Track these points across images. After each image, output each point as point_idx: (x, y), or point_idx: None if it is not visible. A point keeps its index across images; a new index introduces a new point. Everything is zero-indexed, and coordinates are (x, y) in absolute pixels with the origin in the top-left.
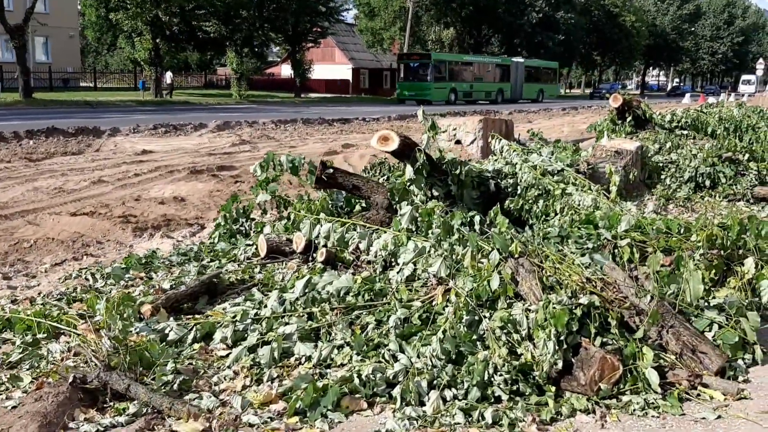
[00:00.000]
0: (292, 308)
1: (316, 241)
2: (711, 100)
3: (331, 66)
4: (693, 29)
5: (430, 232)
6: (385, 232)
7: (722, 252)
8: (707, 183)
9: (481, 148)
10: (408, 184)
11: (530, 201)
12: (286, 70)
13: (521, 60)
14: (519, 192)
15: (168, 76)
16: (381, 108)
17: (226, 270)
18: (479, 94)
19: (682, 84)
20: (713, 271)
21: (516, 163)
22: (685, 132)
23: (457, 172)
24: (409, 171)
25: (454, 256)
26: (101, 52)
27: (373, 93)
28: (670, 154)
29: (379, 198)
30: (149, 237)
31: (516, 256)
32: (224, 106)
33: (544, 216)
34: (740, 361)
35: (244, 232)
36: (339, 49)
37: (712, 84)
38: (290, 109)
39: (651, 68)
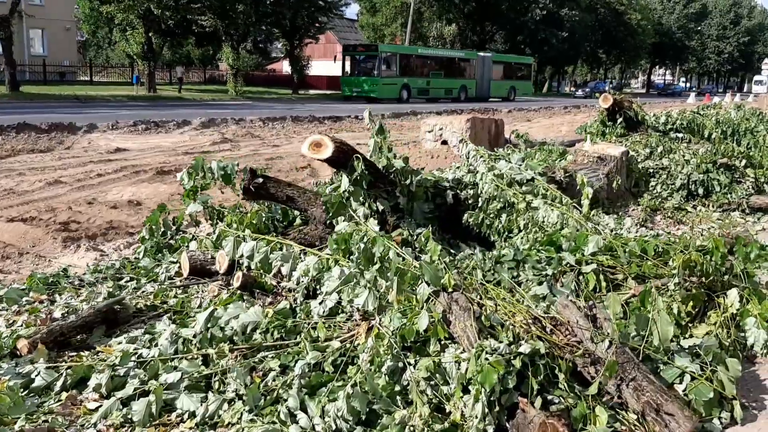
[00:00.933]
0: (186, 348)
1: (240, 261)
2: (716, 100)
3: (332, 62)
4: (699, 28)
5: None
6: (315, 253)
7: (704, 279)
8: (700, 191)
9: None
10: (345, 196)
11: (492, 215)
12: (287, 66)
13: (489, 54)
14: (480, 204)
15: (179, 71)
16: (378, 106)
17: (142, 292)
18: (438, 91)
19: (678, 83)
20: (691, 303)
21: (478, 172)
22: (681, 135)
23: (407, 182)
24: (345, 182)
25: (380, 288)
26: (103, 46)
27: None
28: (662, 159)
29: (317, 211)
30: (76, 249)
31: (450, 289)
32: (218, 102)
33: (507, 232)
34: (716, 421)
35: (173, 246)
36: (341, 45)
37: (718, 83)
38: (285, 106)
39: (657, 67)
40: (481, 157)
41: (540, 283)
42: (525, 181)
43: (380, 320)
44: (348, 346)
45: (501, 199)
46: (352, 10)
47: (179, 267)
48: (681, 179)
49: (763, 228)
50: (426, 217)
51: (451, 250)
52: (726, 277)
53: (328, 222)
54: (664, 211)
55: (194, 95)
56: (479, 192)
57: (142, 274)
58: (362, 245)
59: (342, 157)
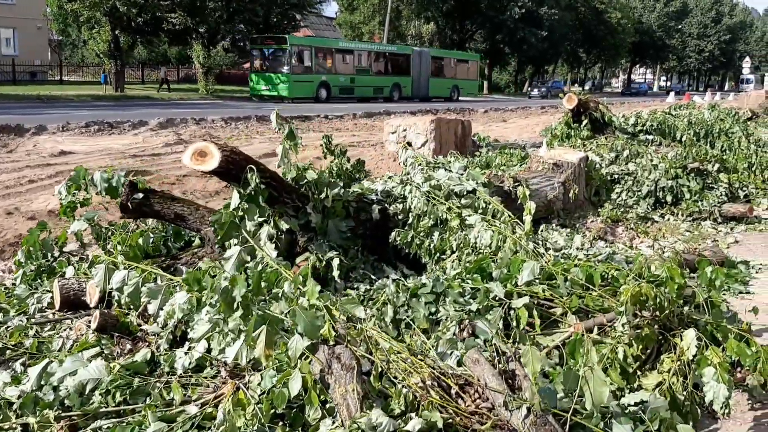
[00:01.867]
0: (2, 415)
1: (112, 293)
2: (697, 99)
3: None
4: (680, 27)
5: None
6: (190, 287)
7: (658, 314)
8: (668, 198)
9: (433, 150)
10: (238, 215)
11: (422, 233)
12: None
13: (426, 49)
14: (410, 221)
15: (162, 71)
16: (353, 105)
17: (7, 328)
18: (365, 89)
19: (644, 83)
20: (641, 345)
21: (408, 183)
22: (651, 137)
23: (322, 196)
24: (236, 198)
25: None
26: (78, 45)
27: None
28: (628, 164)
29: (211, 232)
30: None
31: (332, 342)
32: (186, 101)
33: (439, 254)
34: None
35: (54, 270)
36: None
37: (699, 82)
38: (255, 105)
39: (638, 66)
40: (419, 165)
41: (461, 322)
42: (465, 193)
43: (249, 380)
44: (210, 410)
45: (432, 215)
46: (333, 8)
47: (52, 297)
48: (648, 186)
49: (735, 240)
50: (343, 237)
51: (373, 276)
52: (686, 308)
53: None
54: (626, 221)
55: (163, 94)
56: (409, 207)
57: (13, 304)
58: (220, 284)
59: (234, 169)
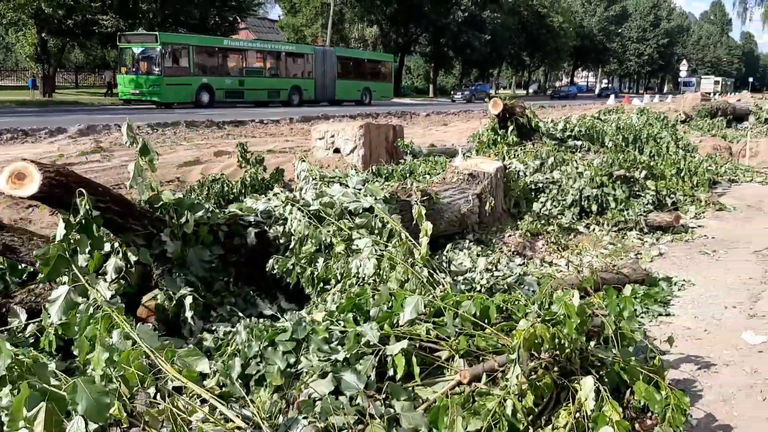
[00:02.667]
0: None
1: None
2: (636, 102)
3: None
4: (620, 31)
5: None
6: None
7: (559, 354)
8: (594, 208)
9: (362, 157)
10: (71, 247)
11: (304, 260)
12: None
13: (331, 48)
14: (292, 246)
15: (107, 75)
16: (295, 109)
17: None
18: (258, 93)
19: (571, 86)
20: (537, 393)
21: (290, 202)
22: (580, 143)
23: (182, 220)
24: (62, 228)
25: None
26: (12, 48)
27: None
28: (553, 171)
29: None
30: None
31: (125, 425)
32: (116, 107)
33: (323, 283)
34: None
35: None
36: None
37: (639, 84)
38: (189, 110)
39: (580, 69)
40: (313, 179)
41: (324, 375)
42: (361, 211)
43: None
44: None
45: (314, 239)
46: (277, 11)
47: None
48: (573, 195)
49: (660, 252)
50: (207, 267)
51: (241, 314)
52: (593, 342)
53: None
54: (547, 235)
55: (93, 99)
56: (289, 229)
57: None
58: None
59: (60, 193)
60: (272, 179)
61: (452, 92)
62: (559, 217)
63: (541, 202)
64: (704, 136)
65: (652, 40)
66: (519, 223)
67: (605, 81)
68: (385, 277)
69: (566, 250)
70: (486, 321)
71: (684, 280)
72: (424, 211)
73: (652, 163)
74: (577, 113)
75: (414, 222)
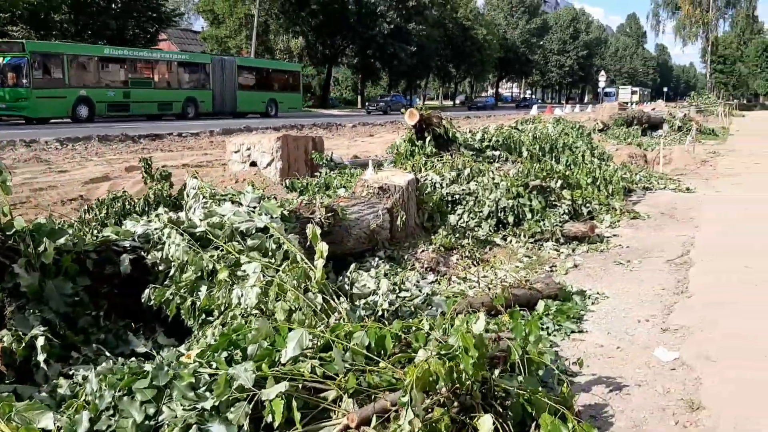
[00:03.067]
0: None
1: None
2: (558, 111)
3: None
4: (542, 43)
5: None
6: None
7: (458, 389)
8: (510, 219)
9: (280, 170)
10: None
11: (184, 290)
12: None
13: (231, 57)
14: (172, 273)
15: None
16: (216, 121)
17: None
18: (146, 106)
19: (489, 97)
20: None
21: (169, 224)
22: (498, 153)
23: (40, 248)
24: None
25: None
26: None
27: None
28: (469, 183)
29: None
30: None
31: None
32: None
33: (204, 315)
34: None
35: None
36: None
37: (561, 95)
38: (107, 124)
39: (504, 80)
40: (203, 196)
41: (188, 428)
42: (254, 232)
43: None
44: None
45: (195, 265)
46: (202, 23)
47: None
48: (489, 206)
49: (575, 264)
50: (70, 301)
51: (108, 353)
52: (497, 371)
53: None
54: (461, 249)
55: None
56: (166, 255)
57: None
58: None
59: None
60: (180, 196)
61: (367, 104)
62: (476, 229)
63: (458, 215)
64: (620, 144)
65: (572, 52)
66: (433, 237)
67: (529, 92)
68: (271, 307)
69: (481, 264)
70: (382, 353)
71: (598, 293)
72: (318, 231)
73: (568, 173)
74: (505, 123)
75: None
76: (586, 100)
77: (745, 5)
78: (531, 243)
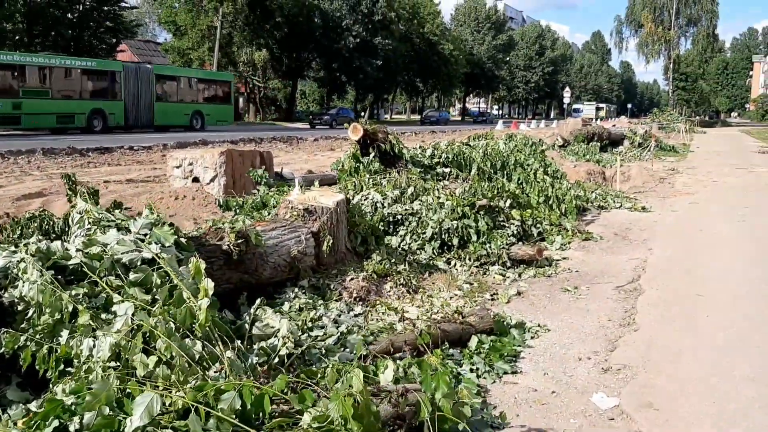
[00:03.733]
0: None
1: None
2: (523, 127)
3: None
4: (508, 59)
5: None
6: None
7: None
8: (455, 241)
9: (224, 186)
10: None
11: (41, 335)
12: None
13: (148, 65)
14: (29, 315)
15: None
16: (171, 135)
17: None
18: (42, 118)
19: (448, 111)
20: None
21: (27, 257)
22: (448, 170)
23: None
24: None
25: None
26: None
27: None
28: (413, 202)
29: None
30: None
31: None
32: None
33: (63, 366)
34: None
35: None
36: None
37: (527, 110)
38: (54, 138)
39: (471, 95)
40: (89, 222)
41: None
42: (139, 263)
43: None
44: None
45: (52, 308)
46: (165, 34)
47: None
48: (432, 227)
49: (518, 292)
50: None
51: None
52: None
53: None
54: (396, 275)
55: None
56: (21, 293)
57: None
58: None
59: None
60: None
61: (311, 117)
62: (419, 252)
63: (401, 236)
64: (579, 161)
65: (538, 68)
66: (365, 263)
67: (496, 107)
68: (131, 359)
69: (418, 293)
70: (260, 416)
71: (539, 325)
72: (203, 266)
73: (518, 192)
74: (458, 138)
75: (222, 272)
76: (552, 116)
77: (705, 24)
78: (476, 267)
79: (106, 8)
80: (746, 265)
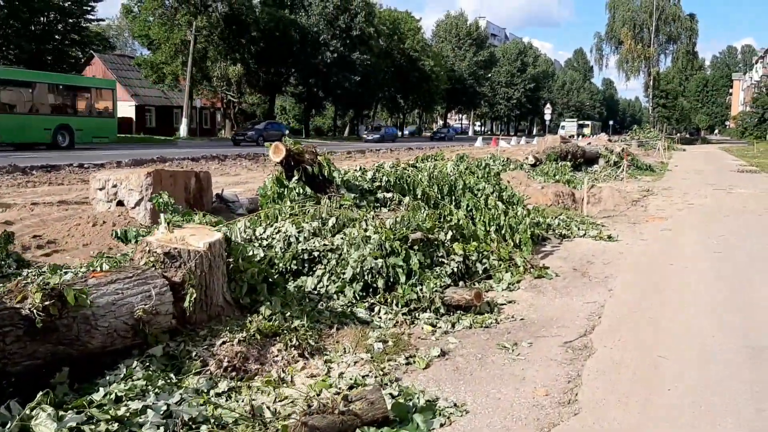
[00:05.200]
0: None
1: None
2: (503, 144)
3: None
4: (489, 75)
5: None
6: None
7: None
8: (380, 283)
9: (150, 211)
10: None
11: None
12: None
13: None
14: None
15: None
16: (142, 150)
17: None
18: None
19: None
20: None
21: None
22: (390, 195)
23: None
24: None
25: None
26: None
27: (162, 132)
28: (336, 236)
29: None
30: None
31: None
32: None
33: None
34: None
35: None
36: (120, 84)
37: (509, 127)
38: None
39: (453, 112)
40: None
41: None
42: None
43: None
44: None
45: None
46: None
47: None
48: (353, 266)
49: (441, 353)
50: None
51: None
52: None
53: None
54: (287, 335)
55: None
56: None
57: None
58: None
59: None
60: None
61: (233, 133)
62: (336, 297)
63: (317, 277)
64: (548, 181)
65: (520, 85)
66: (249, 319)
67: (478, 123)
68: None
69: (315, 357)
70: None
71: (456, 405)
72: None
73: (465, 221)
74: (383, 161)
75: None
76: (534, 132)
77: (685, 41)
78: (404, 314)
79: (71, 20)
80: (721, 312)
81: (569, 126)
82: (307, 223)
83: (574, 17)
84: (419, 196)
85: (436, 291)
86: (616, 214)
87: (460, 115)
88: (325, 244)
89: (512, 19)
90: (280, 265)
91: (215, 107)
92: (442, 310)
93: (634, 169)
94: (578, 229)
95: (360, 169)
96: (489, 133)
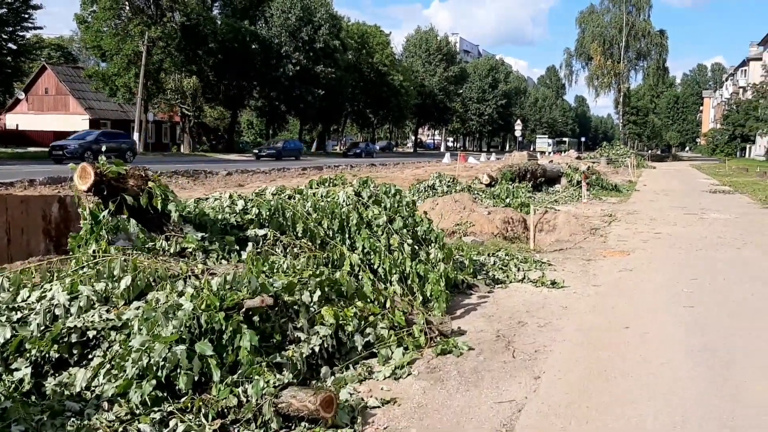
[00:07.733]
0: None
1: None
2: (471, 160)
3: (64, 116)
4: (460, 91)
5: None
6: None
7: None
8: (182, 383)
9: None
10: None
11: None
12: (10, 120)
13: None
14: None
15: None
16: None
17: None
18: None
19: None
20: None
21: None
22: (262, 233)
23: None
24: None
25: None
26: None
27: None
28: (130, 304)
29: None
30: None
31: None
32: None
33: None
34: None
35: None
36: (74, 97)
37: (482, 143)
38: None
39: (424, 127)
40: None
41: None
42: None
43: None
44: None
45: None
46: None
47: None
48: (134, 359)
49: None
50: None
51: None
52: None
53: None
54: None
55: None
56: None
57: None
58: None
59: None
60: None
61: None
62: (119, 402)
63: (93, 369)
64: (498, 205)
65: (492, 101)
66: None
67: (451, 139)
68: None
69: None
70: None
71: None
72: None
73: (337, 278)
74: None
75: None
76: (507, 148)
77: (656, 57)
78: (217, 431)
79: (9, 29)
80: (687, 412)
81: (540, 142)
82: (88, 285)
83: (548, 36)
84: (300, 235)
85: (267, 394)
86: (570, 246)
87: (432, 131)
88: (108, 319)
89: (487, 37)
90: (33, 352)
91: (173, 121)
92: (274, 425)
93: (598, 189)
94: (518, 270)
95: (229, 197)
96: (462, 148)
